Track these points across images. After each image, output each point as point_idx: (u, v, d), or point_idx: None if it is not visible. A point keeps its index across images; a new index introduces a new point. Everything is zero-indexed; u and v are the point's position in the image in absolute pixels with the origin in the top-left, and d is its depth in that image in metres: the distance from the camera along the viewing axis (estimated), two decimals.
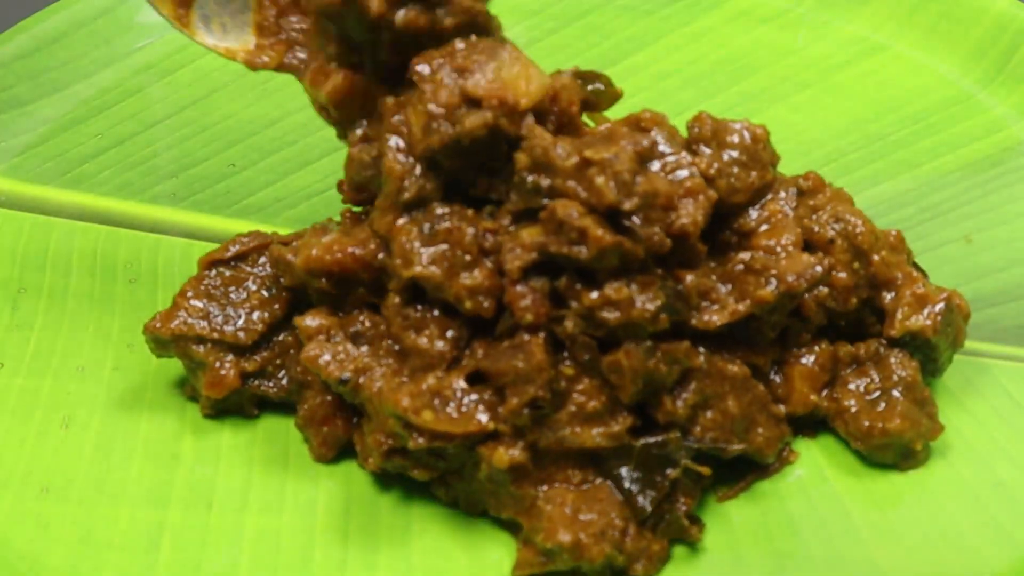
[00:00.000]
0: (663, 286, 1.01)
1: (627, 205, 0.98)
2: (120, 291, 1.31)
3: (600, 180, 0.98)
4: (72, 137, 1.53)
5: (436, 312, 1.03)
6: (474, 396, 1.00)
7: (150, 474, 1.10)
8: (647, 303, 1.00)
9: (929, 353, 1.14)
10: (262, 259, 1.17)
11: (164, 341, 1.13)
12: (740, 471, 1.10)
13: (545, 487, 1.02)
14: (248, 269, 1.17)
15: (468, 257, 1.01)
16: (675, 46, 1.67)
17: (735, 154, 1.08)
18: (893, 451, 1.10)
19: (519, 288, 1.00)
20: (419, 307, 1.03)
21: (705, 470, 1.04)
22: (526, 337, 1.00)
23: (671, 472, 1.02)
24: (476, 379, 1.03)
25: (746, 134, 1.09)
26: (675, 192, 1.02)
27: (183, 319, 1.13)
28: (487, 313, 1.01)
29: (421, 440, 0.99)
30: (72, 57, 1.63)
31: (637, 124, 1.08)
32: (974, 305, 1.25)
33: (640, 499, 1.02)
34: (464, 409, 1.00)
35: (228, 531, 1.05)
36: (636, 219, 0.99)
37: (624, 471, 1.03)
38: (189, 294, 1.14)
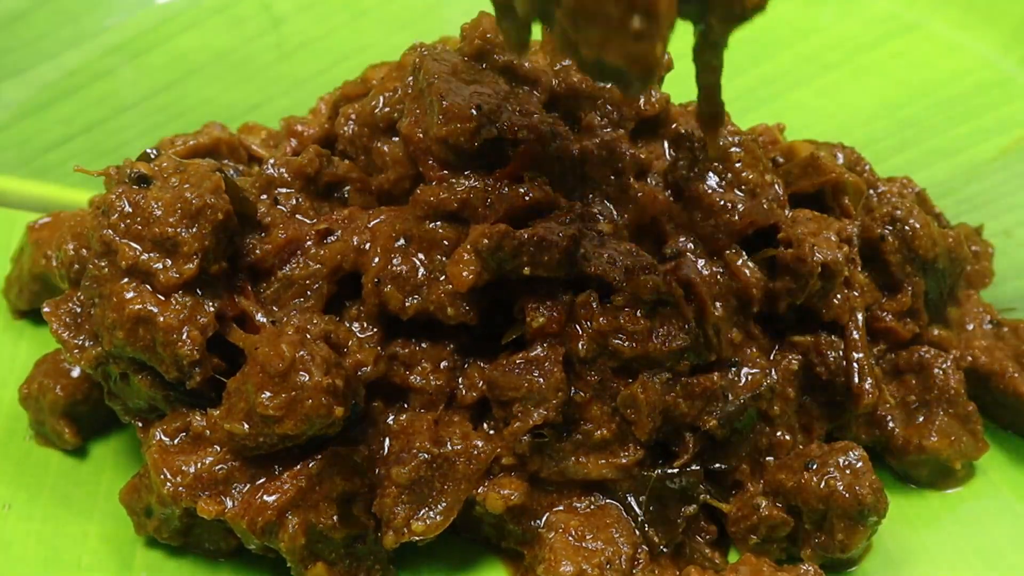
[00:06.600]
0: (687, 328, 1.00)
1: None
2: None
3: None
4: (36, 123, 1.53)
5: (424, 344, 1.04)
6: (478, 442, 1.00)
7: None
8: (667, 342, 0.99)
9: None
10: None
11: None
12: None
13: (548, 515, 1.01)
14: None
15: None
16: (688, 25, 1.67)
17: None
18: (928, 469, 1.10)
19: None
20: (407, 341, 1.04)
21: (727, 507, 1.03)
22: (542, 352, 0.99)
23: (688, 509, 1.02)
24: (480, 405, 1.03)
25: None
26: None
27: None
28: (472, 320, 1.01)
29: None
30: (35, 37, 1.63)
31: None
32: (1013, 304, 1.25)
33: (653, 532, 1.01)
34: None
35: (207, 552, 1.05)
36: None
37: (636, 503, 1.02)
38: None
